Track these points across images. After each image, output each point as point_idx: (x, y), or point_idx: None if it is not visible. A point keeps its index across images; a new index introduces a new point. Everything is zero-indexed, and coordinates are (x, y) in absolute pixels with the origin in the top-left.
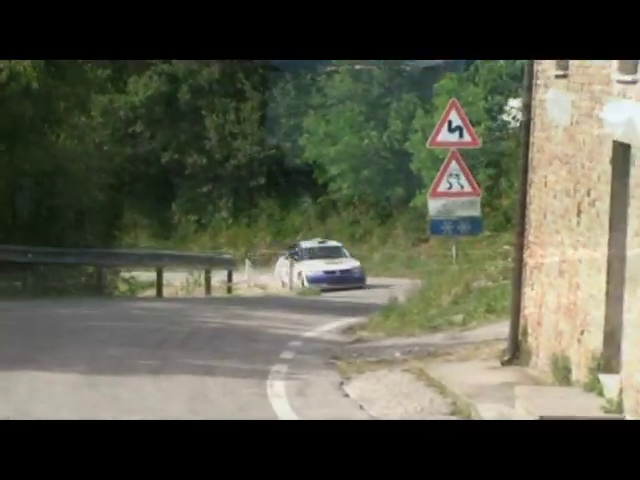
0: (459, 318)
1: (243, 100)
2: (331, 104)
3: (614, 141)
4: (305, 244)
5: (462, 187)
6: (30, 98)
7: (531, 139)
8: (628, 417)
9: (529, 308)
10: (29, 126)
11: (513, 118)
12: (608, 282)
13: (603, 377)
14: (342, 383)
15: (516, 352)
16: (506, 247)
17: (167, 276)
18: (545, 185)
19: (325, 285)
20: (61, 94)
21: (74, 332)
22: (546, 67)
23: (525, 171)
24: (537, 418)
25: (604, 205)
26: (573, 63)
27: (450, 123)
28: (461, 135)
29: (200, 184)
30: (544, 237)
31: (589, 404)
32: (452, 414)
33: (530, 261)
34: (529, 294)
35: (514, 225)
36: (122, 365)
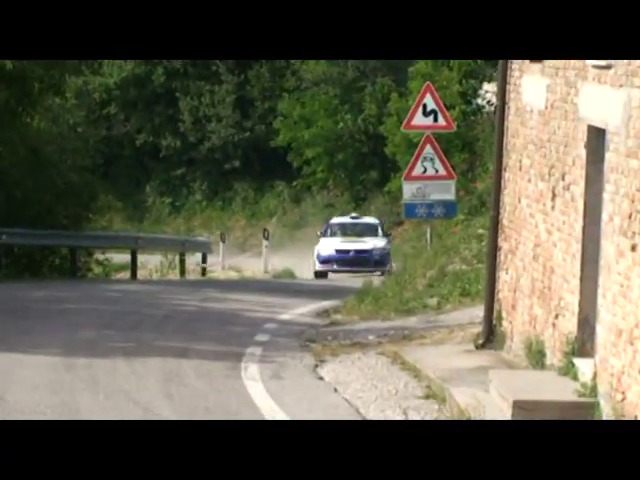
0: (434, 301)
1: (218, 83)
2: (306, 87)
3: (589, 126)
4: (336, 219)
5: (437, 171)
6: (4, 80)
7: (505, 123)
8: (602, 401)
9: (503, 292)
10: (3, 108)
11: (488, 102)
12: (582, 266)
13: (577, 361)
14: (317, 366)
15: (490, 336)
16: (480, 231)
17: (141, 258)
18: (520, 169)
19: (335, 267)
20: (35, 76)
21: (49, 314)
22: None
23: (500, 155)
24: (511, 402)
25: (579, 189)
26: None
27: (425, 107)
28: (436, 119)
29: (174, 167)
30: (518, 221)
31: (563, 388)
32: (426, 397)
33: (505, 245)
34: (503, 278)
35: (488, 209)
36: (97, 347)
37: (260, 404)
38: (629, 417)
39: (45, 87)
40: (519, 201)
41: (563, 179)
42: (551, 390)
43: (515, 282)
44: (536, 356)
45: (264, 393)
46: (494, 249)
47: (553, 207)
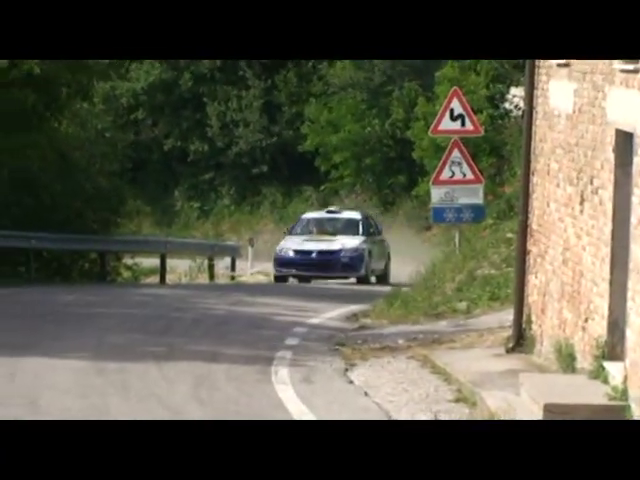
0: (463, 305)
1: (245, 88)
2: (333, 92)
3: (617, 129)
4: (310, 214)
5: (464, 175)
6: (32, 85)
7: (533, 127)
8: (633, 404)
9: (533, 296)
10: (31, 112)
11: (515, 106)
12: (612, 270)
13: (608, 364)
14: (346, 370)
15: (520, 339)
16: (509, 235)
17: (170, 263)
18: (548, 173)
19: (294, 271)
20: (63, 81)
21: (79, 318)
22: None
23: (528, 159)
24: (542, 405)
25: (607, 193)
26: None
27: (452, 111)
28: (463, 123)
29: (202, 171)
30: (547, 225)
31: (594, 391)
32: (457, 401)
33: (533, 249)
34: (533, 282)
35: (517, 213)
36: (127, 352)
37: (291, 408)
38: None
39: (73, 92)
40: (548, 205)
41: (591, 183)
42: (582, 393)
43: (544, 286)
44: (566, 360)
45: (294, 397)
46: (523, 253)
47: (582, 211)
